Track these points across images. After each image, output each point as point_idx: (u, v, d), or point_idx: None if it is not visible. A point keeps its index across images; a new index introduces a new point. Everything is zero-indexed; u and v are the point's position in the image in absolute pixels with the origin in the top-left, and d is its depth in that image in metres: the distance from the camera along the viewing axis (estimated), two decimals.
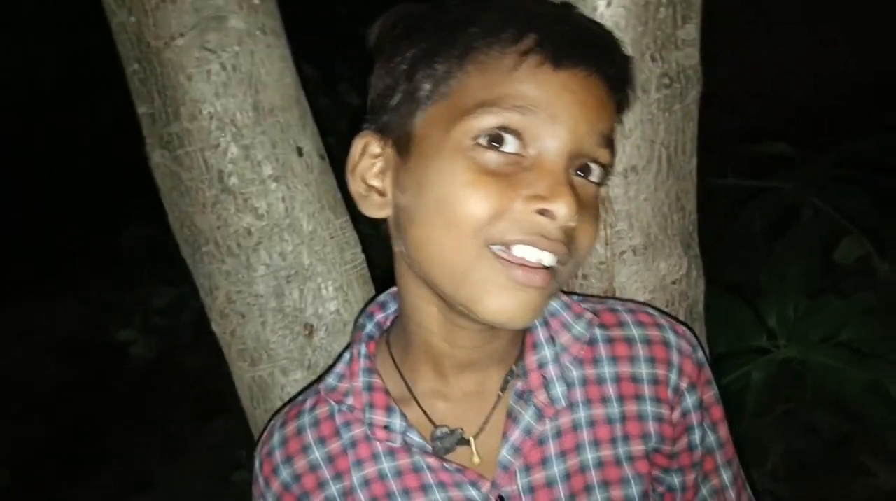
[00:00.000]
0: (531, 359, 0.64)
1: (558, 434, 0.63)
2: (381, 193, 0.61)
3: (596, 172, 0.58)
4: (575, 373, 0.64)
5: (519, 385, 0.64)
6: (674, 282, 0.77)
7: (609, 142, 0.57)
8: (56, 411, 2.75)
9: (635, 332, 0.66)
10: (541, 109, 0.53)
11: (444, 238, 0.55)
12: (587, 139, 0.55)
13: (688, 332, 0.68)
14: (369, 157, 0.61)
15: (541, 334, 0.65)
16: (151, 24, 0.77)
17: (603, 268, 0.76)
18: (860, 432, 1.61)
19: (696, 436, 0.66)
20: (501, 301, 0.54)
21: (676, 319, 0.71)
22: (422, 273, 0.59)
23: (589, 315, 0.66)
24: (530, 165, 0.54)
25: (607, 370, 0.64)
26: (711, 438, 0.67)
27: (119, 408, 2.70)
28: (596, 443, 0.63)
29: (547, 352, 0.64)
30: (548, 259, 0.54)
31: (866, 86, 2.89)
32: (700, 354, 0.67)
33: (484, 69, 0.55)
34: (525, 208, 0.53)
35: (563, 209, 0.52)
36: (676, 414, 0.65)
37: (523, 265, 0.54)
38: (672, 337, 0.66)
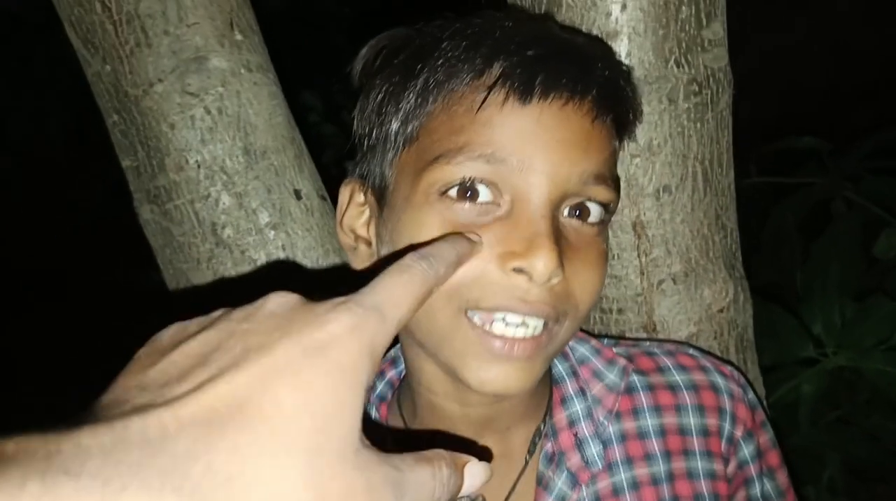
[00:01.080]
0: (560, 416, 0.57)
1: (597, 500, 0.55)
2: (369, 244, 0.55)
3: (594, 212, 0.49)
4: (611, 429, 0.57)
5: (548, 446, 0.56)
6: (720, 310, 0.69)
7: (603, 178, 0.48)
8: None
9: (678, 378, 0.58)
10: (510, 155, 0.46)
11: None
12: (571, 181, 0.47)
13: (735, 372, 0.60)
14: (356, 206, 0.56)
15: (570, 387, 0.57)
16: (127, 72, 0.71)
17: (640, 301, 0.68)
18: None
19: (756, 489, 0.58)
20: (483, 373, 0.46)
21: (722, 359, 0.63)
22: (408, 333, 0.52)
23: (622, 361, 0.58)
24: (505, 215, 0.46)
25: (650, 422, 0.57)
26: (769, 487, 0.60)
27: None
28: None
29: (578, 407, 0.57)
30: (532, 327, 0.46)
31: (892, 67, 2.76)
32: (752, 395, 0.60)
33: (448, 108, 0.48)
34: (500, 269, 0.45)
35: (539, 266, 0.44)
36: (732, 467, 0.57)
37: (503, 336, 0.46)
38: (720, 381, 0.58)
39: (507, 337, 0.46)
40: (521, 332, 0.46)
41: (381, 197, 0.53)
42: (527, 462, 0.56)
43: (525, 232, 0.45)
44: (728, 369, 0.60)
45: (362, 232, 0.55)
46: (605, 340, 0.62)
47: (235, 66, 0.73)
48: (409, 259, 0.34)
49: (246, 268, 0.75)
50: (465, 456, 0.32)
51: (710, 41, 0.64)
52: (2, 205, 3.07)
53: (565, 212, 0.48)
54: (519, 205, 0.46)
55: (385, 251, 0.52)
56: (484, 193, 0.46)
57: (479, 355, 0.46)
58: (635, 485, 0.56)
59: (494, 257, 0.45)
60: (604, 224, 0.50)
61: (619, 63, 0.57)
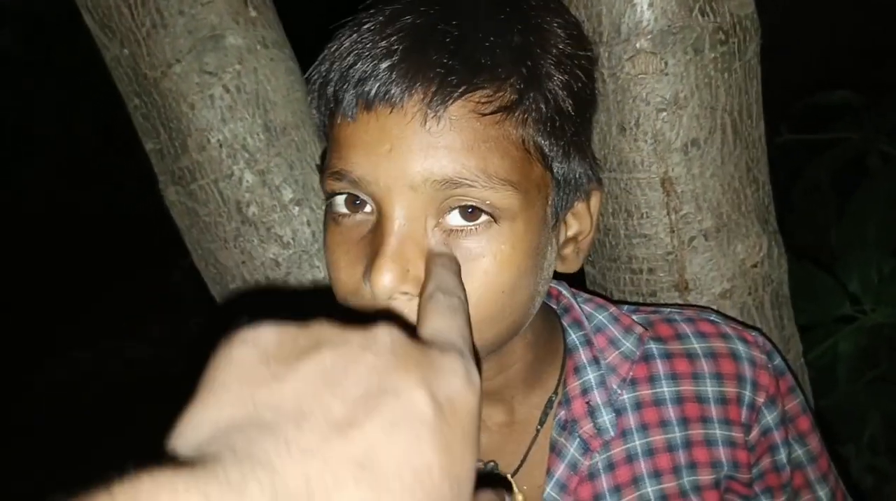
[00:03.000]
0: (573, 385, 0.57)
1: (610, 466, 0.55)
2: None
3: (481, 213, 0.44)
4: (626, 397, 0.56)
5: (562, 414, 0.56)
6: (754, 266, 0.67)
7: (460, 181, 0.42)
8: None
9: (697, 345, 0.57)
10: (351, 171, 0.44)
11: None
12: (421, 188, 0.43)
13: (759, 338, 0.59)
14: None
15: (583, 355, 0.57)
16: (145, 54, 0.71)
17: (671, 260, 0.66)
18: None
19: (783, 455, 0.57)
20: None
21: (746, 325, 0.62)
22: None
23: (639, 329, 0.58)
24: (374, 228, 0.45)
25: (666, 390, 0.56)
26: (800, 452, 0.59)
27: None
28: (656, 474, 0.55)
29: (591, 376, 0.57)
30: None
31: None
32: (778, 361, 0.58)
33: (329, 117, 0.48)
34: (365, 284, 0.44)
35: (376, 285, 0.42)
36: (754, 435, 0.56)
37: None
38: (741, 348, 0.57)
39: None
40: None
41: None
42: (538, 431, 0.57)
43: (376, 248, 0.44)
44: (752, 335, 0.58)
45: None
46: (626, 307, 0.61)
47: (251, 42, 0.73)
48: (451, 299, 0.35)
49: (272, 246, 0.76)
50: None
51: None
52: (32, 201, 3.14)
53: (453, 217, 0.44)
54: (380, 219, 0.44)
55: None
56: (359, 205, 0.46)
57: None
58: (650, 452, 0.55)
59: (360, 273, 0.45)
60: (500, 222, 0.44)
61: (501, 33, 0.45)
